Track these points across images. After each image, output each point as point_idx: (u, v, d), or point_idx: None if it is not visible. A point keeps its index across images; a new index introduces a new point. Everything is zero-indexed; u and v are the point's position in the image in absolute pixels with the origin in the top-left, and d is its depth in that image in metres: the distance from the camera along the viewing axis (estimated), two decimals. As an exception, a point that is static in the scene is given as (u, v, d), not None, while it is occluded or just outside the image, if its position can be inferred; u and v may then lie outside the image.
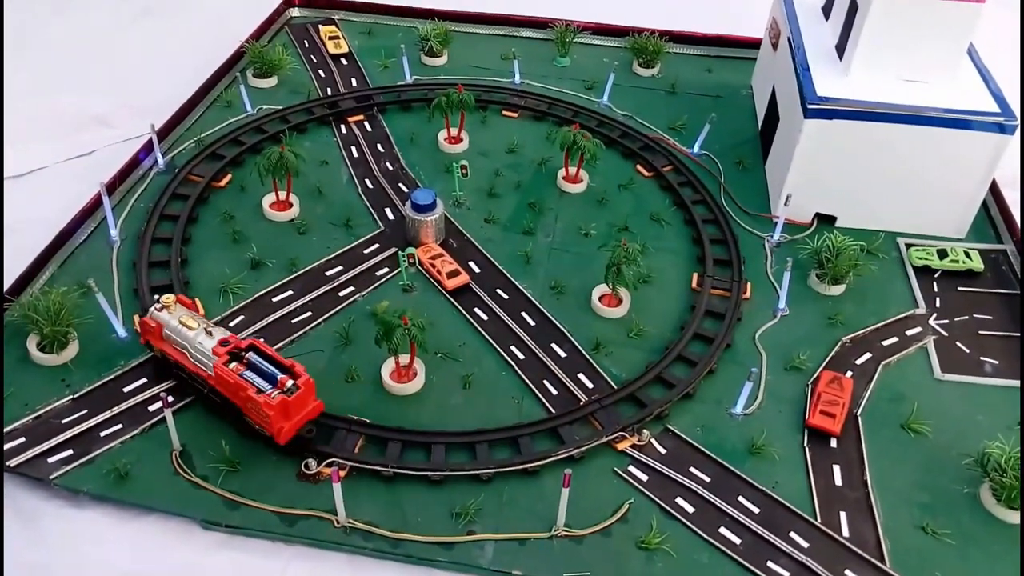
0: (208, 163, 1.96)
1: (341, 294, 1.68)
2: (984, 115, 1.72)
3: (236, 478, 1.34)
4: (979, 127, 1.72)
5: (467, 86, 2.09)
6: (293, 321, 1.62)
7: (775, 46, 2.15)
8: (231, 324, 1.59)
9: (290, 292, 1.68)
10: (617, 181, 2.02)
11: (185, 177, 1.91)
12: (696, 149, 2.12)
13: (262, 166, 1.77)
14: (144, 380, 1.47)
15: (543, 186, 2.00)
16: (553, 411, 1.48)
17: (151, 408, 1.42)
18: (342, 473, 1.29)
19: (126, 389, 1.46)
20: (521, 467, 1.37)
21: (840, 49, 1.88)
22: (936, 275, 1.80)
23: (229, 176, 1.95)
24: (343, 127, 2.15)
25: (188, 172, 1.93)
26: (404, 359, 1.50)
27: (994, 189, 1.92)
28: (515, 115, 2.23)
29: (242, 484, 1.33)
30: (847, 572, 1.26)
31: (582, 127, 2.00)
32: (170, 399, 1.36)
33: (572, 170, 2.00)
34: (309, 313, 1.64)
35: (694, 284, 1.75)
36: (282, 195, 1.86)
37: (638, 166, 2.07)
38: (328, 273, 1.73)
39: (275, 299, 1.66)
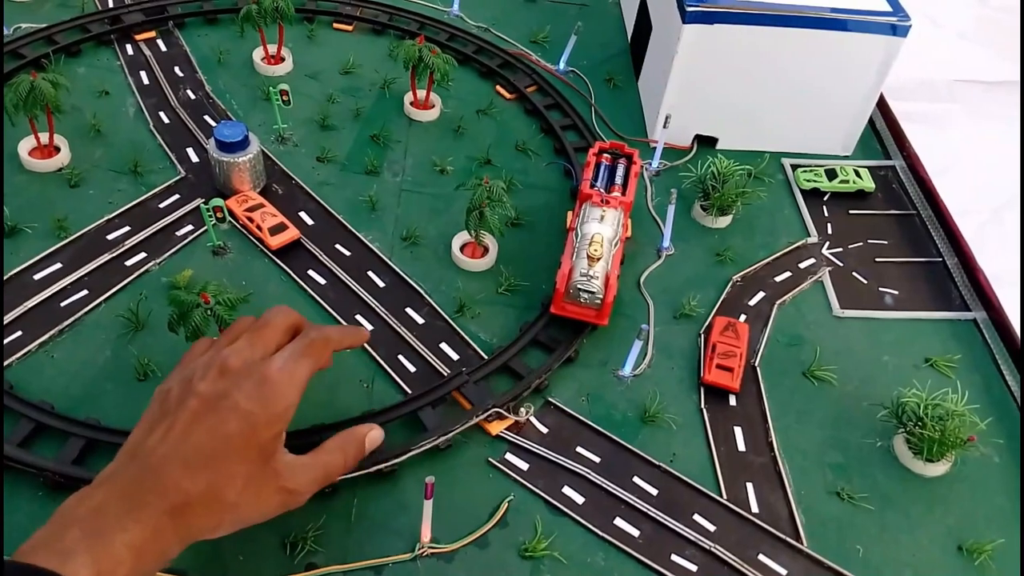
0: (-60, 99, 1.50)
1: (128, 263, 1.32)
2: (875, 15, 1.54)
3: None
4: (870, 28, 1.54)
5: (285, -8, 1.71)
6: (63, 304, 1.24)
7: (644, -58, 1.89)
8: (-26, 315, 1.21)
9: (58, 265, 1.29)
10: (475, 106, 1.73)
11: (-94, 118, 1.45)
12: (562, 66, 1.85)
13: (8, 101, 1.34)
14: None
15: (388, 114, 1.68)
16: (410, 392, 1.21)
17: None
18: None
19: None
20: (373, 469, 1.10)
21: (718, -57, 1.64)
22: (825, 198, 1.65)
23: (-27, 116, 1.50)
24: (129, 47, 1.72)
25: (-90, 111, 1.46)
26: (215, 344, 1.17)
27: (880, 100, 1.78)
28: (350, 28, 1.87)
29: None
30: (760, 557, 1.09)
31: (428, 41, 1.68)
32: None
33: (421, 93, 1.68)
34: (85, 292, 1.26)
35: (569, 224, 1.50)
36: (44, 137, 1.44)
37: (498, 87, 1.79)
38: (110, 237, 1.35)
39: (37, 276, 1.27)
